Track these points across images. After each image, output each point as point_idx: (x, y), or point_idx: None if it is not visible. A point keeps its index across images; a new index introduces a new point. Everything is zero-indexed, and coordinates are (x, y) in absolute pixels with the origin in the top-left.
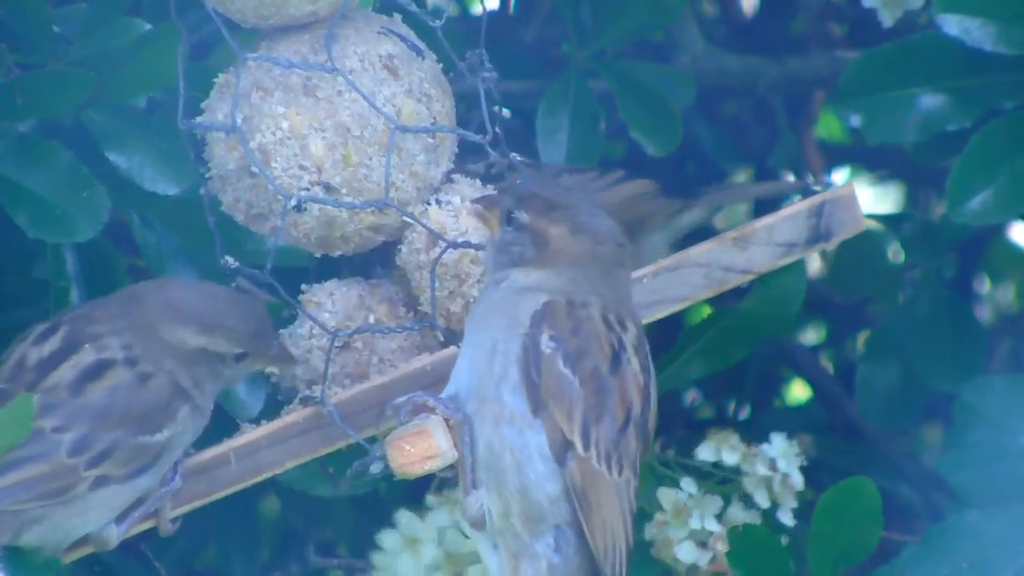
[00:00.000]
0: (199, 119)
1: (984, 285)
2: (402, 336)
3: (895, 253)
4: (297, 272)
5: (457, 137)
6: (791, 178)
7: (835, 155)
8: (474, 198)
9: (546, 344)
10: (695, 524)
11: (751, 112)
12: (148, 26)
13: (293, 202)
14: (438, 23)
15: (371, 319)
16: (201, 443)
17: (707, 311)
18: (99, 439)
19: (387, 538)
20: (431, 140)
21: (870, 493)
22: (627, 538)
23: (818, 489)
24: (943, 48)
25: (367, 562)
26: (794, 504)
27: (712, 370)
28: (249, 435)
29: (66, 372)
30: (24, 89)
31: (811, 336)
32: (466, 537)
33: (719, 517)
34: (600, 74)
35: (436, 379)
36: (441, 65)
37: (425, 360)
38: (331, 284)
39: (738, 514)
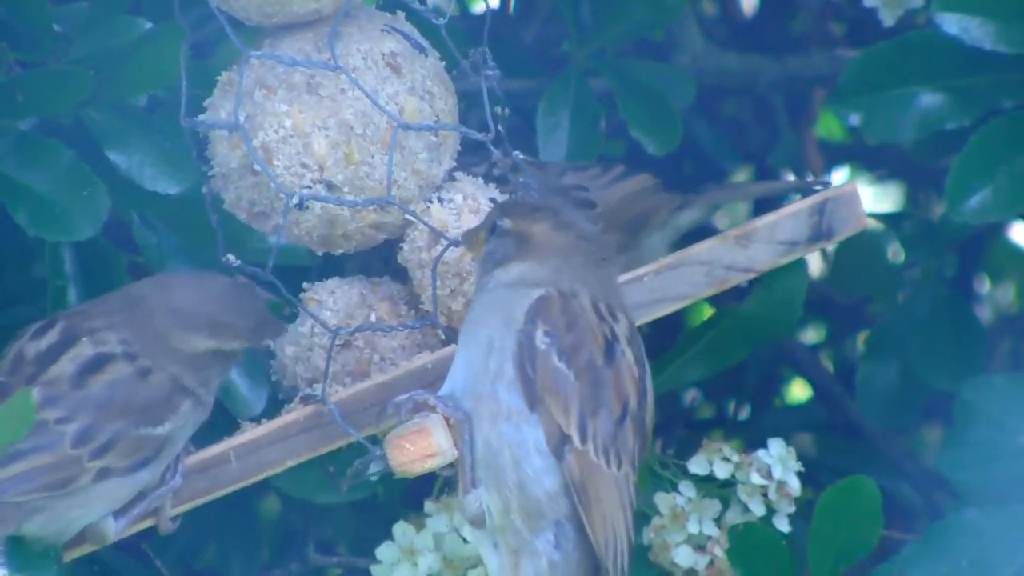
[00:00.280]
0: (202, 117)
1: (984, 284)
2: (403, 334)
3: (895, 252)
4: (299, 270)
5: (459, 135)
6: (791, 177)
7: (835, 154)
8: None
9: (541, 340)
10: (693, 528)
11: (751, 111)
12: (149, 24)
13: (295, 200)
14: (441, 21)
15: (372, 317)
16: (201, 441)
17: (708, 312)
18: (102, 430)
19: (384, 550)
20: (433, 138)
21: (870, 492)
22: (628, 532)
23: (818, 489)
24: (942, 47)
25: (367, 560)
26: (791, 510)
27: (712, 372)
28: (249, 434)
29: (66, 365)
30: (25, 87)
31: (811, 336)
32: (465, 542)
33: (717, 521)
34: (600, 73)
35: (437, 377)
36: (444, 63)
37: (426, 358)
38: (332, 282)
39: (736, 518)
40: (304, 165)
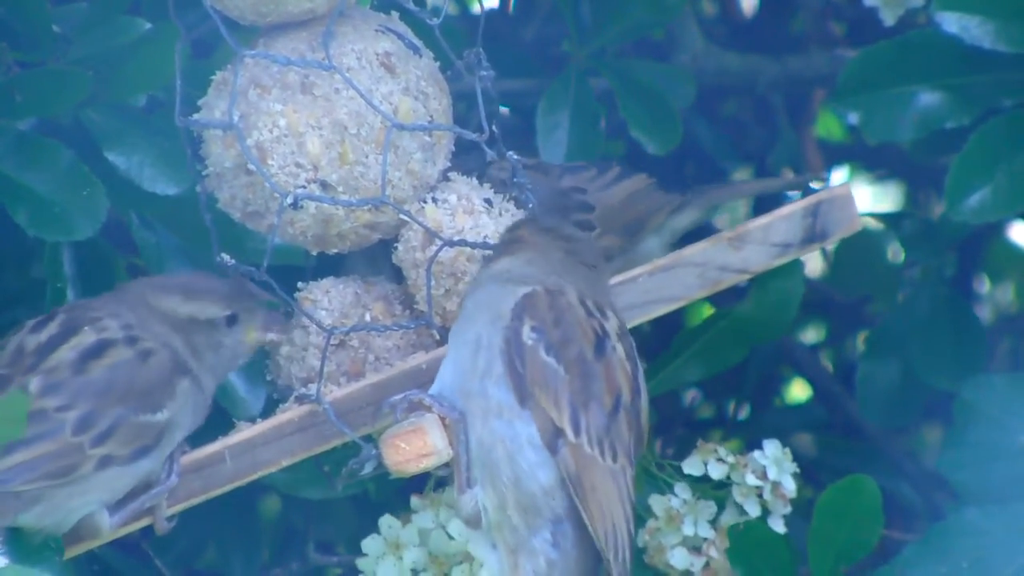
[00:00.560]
0: (196, 116)
1: (984, 284)
2: (398, 334)
3: (895, 252)
4: (293, 270)
5: (454, 135)
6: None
7: (834, 154)
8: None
9: (528, 335)
10: (688, 530)
11: (751, 111)
12: (148, 25)
13: (289, 199)
14: (436, 21)
15: (367, 317)
16: (197, 440)
17: (706, 313)
18: (103, 416)
19: (370, 543)
20: (428, 138)
21: (870, 491)
22: (628, 525)
23: (818, 488)
24: (942, 46)
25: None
26: (786, 511)
27: (710, 372)
28: (244, 433)
29: (66, 353)
30: (24, 87)
31: (811, 335)
32: (451, 538)
33: (713, 523)
34: (600, 73)
35: (431, 377)
36: (438, 63)
37: (421, 358)
38: (327, 282)
39: (732, 519)
40: (298, 165)
